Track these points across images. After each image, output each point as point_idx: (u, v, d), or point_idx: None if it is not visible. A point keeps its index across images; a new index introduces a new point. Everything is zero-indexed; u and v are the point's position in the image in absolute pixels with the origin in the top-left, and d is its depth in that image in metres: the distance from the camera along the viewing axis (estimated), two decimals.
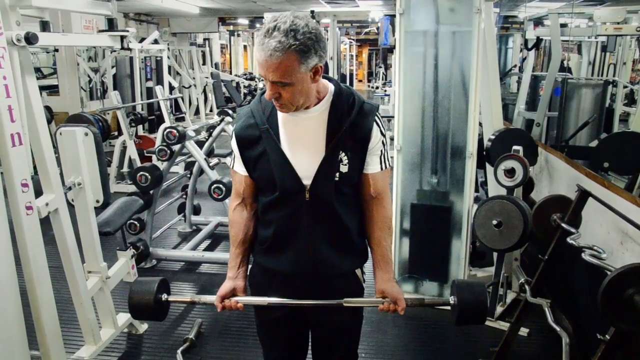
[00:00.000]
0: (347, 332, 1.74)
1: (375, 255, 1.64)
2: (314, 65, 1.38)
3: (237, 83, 13.12)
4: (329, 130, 1.49)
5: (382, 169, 1.57)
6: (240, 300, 1.60)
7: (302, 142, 1.51)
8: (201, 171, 4.29)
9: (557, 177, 3.70)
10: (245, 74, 14.71)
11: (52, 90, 7.91)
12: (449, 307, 1.60)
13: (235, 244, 1.64)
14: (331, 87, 1.53)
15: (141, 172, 3.77)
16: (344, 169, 1.50)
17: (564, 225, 2.40)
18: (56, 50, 7.53)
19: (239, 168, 1.59)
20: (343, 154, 1.49)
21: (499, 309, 3.20)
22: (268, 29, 1.32)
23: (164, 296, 1.64)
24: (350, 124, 1.49)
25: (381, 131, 1.55)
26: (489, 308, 3.14)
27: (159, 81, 8.16)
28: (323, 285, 1.60)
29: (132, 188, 4.04)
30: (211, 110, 11.66)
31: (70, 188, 2.49)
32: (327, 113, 1.50)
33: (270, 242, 1.59)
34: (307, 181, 1.49)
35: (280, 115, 1.51)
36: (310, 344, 1.81)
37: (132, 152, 6.07)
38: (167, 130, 3.88)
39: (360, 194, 1.61)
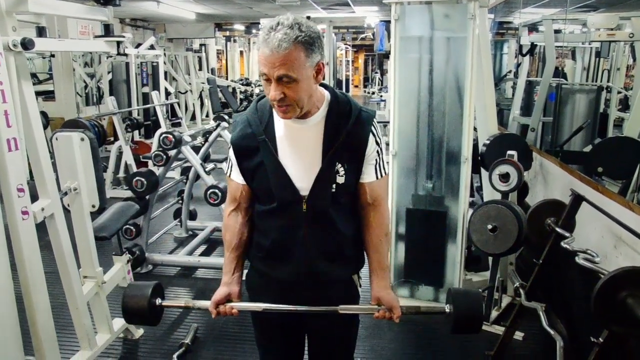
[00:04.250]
0: (344, 338, 1.74)
1: (372, 262, 1.63)
2: (317, 61, 1.37)
3: (233, 88, 13.14)
4: (325, 141, 1.48)
5: (377, 177, 1.57)
6: (235, 306, 1.59)
7: (300, 154, 1.50)
8: (197, 176, 4.29)
9: (552, 182, 3.72)
10: (241, 80, 14.72)
11: (48, 95, 7.90)
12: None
13: (230, 249, 1.64)
14: (327, 95, 1.52)
15: (137, 178, 3.78)
16: (340, 180, 1.50)
17: (558, 229, 2.42)
18: (52, 55, 7.52)
19: (236, 176, 1.59)
20: (339, 165, 1.49)
21: (494, 313, 3.21)
22: (272, 25, 1.31)
23: (158, 301, 1.61)
24: (347, 133, 1.48)
25: (377, 140, 1.54)
26: (485, 312, 3.15)
27: (155, 87, 8.16)
28: (319, 291, 1.61)
29: (128, 193, 4.05)
30: (207, 116, 11.66)
31: (66, 193, 2.49)
32: (324, 123, 1.49)
33: (267, 251, 1.60)
34: (304, 192, 1.49)
35: (278, 125, 1.50)
36: (306, 349, 1.82)
37: (128, 157, 6.08)
38: (163, 135, 3.89)
39: (357, 202, 1.61)
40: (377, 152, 1.55)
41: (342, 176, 1.50)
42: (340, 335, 1.72)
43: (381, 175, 1.58)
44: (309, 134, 1.49)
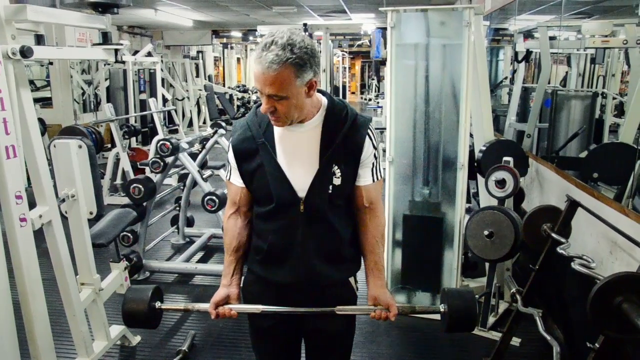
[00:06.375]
0: (340, 340, 1.75)
1: (368, 263, 1.67)
2: (309, 80, 1.42)
3: (230, 95, 13.19)
4: (322, 144, 1.53)
5: (374, 180, 1.62)
6: (233, 307, 1.62)
7: (297, 156, 1.54)
8: (194, 183, 4.29)
9: (548, 188, 3.74)
10: (238, 87, 14.77)
11: (45, 102, 7.90)
12: (439, 316, 1.61)
13: (230, 252, 1.67)
14: (324, 100, 1.57)
15: (134, 184, 3.78)
16: (336, 181, 1.54)
17: (554, 235, 2.43)
18: (50, 63, 7.54)
19: (236, 180, 1.62)
20: (336, 167, 1.54)
21: (491, 319, 3.22)
22: (266, 43, 1.36)
23: (158, 304, 1.64)
24: (343, 137, 1.53)
25: (373, 144, 1.59)
26: (482, 318, 3.16)
27: (153, 93, 8.17)
28: (317, 293, 1.62)
29: (126, 200, 4.04)
30: (204, 123, 11.70)
31: (63, 200, 2.50)
32: (321, 127, 1.54)
33: (265, 253, 1.61)
34: (301, 193, 1.53)
35: (277, 129, 1.55)
36: (303, 352, 1.82)
37: (125, 164, 6.08)
38: (161, 142, 3.89)
39: (353, 205, 1.64)
40: (374, 155, 1.60)
41: (338, 178, 1.54)
42: (337, 337, 1.73)
43: (377, 179, 1.63)
44: (307, 138, 1.54)
